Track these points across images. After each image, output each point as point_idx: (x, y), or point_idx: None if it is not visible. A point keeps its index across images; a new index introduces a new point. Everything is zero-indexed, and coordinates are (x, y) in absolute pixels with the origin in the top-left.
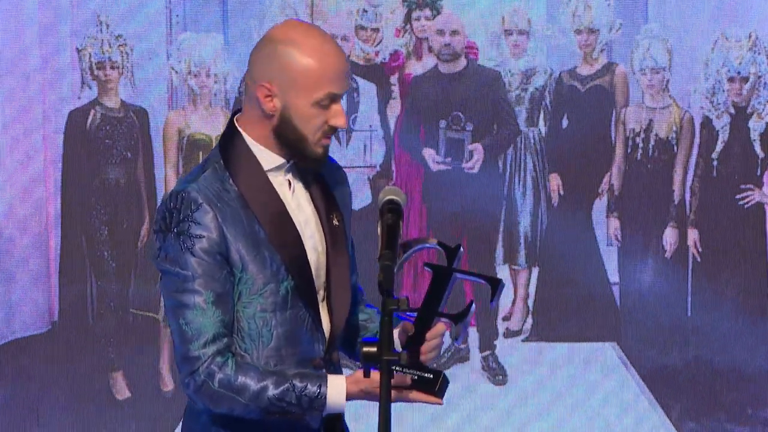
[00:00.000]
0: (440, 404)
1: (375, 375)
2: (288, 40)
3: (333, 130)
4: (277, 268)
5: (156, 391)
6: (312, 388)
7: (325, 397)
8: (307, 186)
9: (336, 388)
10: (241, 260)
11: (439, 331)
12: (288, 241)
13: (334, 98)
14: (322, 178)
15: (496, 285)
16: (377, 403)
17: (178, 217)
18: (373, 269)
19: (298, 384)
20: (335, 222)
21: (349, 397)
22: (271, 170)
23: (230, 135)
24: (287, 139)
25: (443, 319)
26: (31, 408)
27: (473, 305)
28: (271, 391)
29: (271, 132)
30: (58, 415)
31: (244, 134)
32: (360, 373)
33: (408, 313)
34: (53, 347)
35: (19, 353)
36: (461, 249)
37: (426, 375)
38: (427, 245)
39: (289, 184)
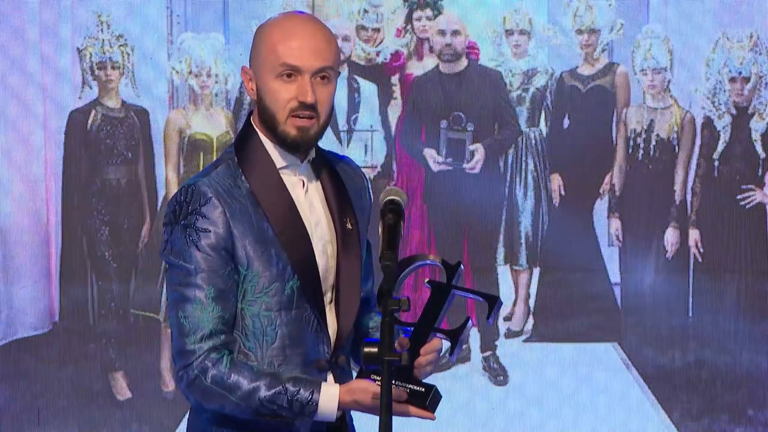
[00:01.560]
0: (432, 419)
1: (369, 385)
2: (264, 24)
3: (302, 107)
4: (283, 267)
5: (157, 391)
6: (304, 394)
7: (317, 404)
8: (323, 187)
9: (328, 396)
10: (246, 257)
11: (434, 347)
12: (295, 240)
13: (296, 71)
14: (339, 179)
15: (493, 303)
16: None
17: (186, 210)
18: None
19: (291, 388)
20: (348, 225)
21: (342, 406)
22: (284, 168)
23: (246, 132)
24: (265, 122)
25: (439, 335)
26: (32, 408)
27: (469, 322)
28: (263, 393)
29: (261, 120)
30: (58, 416)
31: (258, 132)
32: (355, 383)
33: (405, 328)
34: (54, 347)
35: (20, 353)
36: (461, 266)
37: (417, 389)
38: (428, 262)
39: (303, 183)
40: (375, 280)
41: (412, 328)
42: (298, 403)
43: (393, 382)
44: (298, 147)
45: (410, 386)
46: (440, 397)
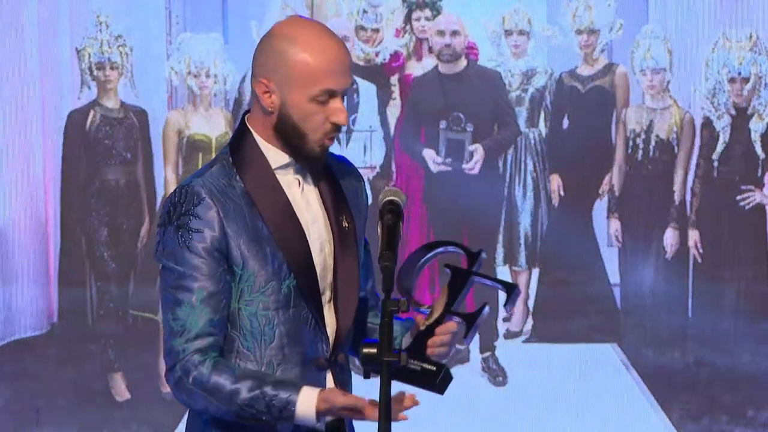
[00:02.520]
0: (416, 404)
1: (342, 398)
2: (285, 35)
3: (335, 129)
4: (279, 265)
5: (156, 392)
6: (282, 396)
7: (294, 407)
8: (318, 186)
9: (306, 400)
10: (242, 257)
11: (449, 328)
12: (291, 238)
13: (332, 94)
14: (335, 179)
15: (511, 290)
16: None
17: (180, 211)
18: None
19: (269, 391)
20: (344, 224)
21: (319, 413)
22: (279, 168)
23: (240, 132)
24: (287, 137)
25: (455, 318)
26: (31, 408)
27: (486, 307)
28: (243, 395)
29: (273, 129)
30: (57, 416)
31: (253, 132)
32: (333, 390)
33: (422, 310)
34: (53, 348)
35: (19, 354)
36: (483, 254)
37: (429, 367)
38: (450, 249)
39: (299, 183)
40: (375, 279)
41: (428, 310)
42: (276, 407)
43: (408, 359)
44: (318, 162)
45: (423, 364)
46: (451, 378)
